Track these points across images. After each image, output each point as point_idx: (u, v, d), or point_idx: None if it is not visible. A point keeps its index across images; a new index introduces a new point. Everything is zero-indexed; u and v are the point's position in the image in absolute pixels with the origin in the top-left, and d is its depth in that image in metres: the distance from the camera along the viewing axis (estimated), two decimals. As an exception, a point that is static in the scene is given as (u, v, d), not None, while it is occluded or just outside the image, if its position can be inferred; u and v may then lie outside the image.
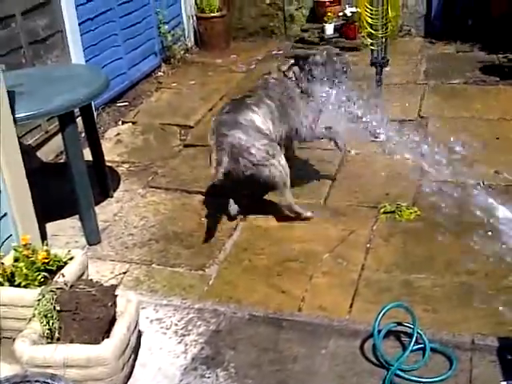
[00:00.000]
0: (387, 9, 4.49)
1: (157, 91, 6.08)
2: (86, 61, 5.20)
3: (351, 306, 3.13)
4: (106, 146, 4.79)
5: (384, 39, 4.59)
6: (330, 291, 3.26)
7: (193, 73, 6.51)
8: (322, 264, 3.47)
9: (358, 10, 4.82)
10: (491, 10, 6.78)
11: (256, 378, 2.62)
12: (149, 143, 5.05)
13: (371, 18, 4.53)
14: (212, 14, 7.06)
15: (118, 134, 5.20)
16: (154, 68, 6.46)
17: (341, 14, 6.99)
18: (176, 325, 2.95)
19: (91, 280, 2.73)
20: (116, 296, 2.63)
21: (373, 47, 4.64)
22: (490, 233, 3.62)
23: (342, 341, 2.81)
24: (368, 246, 3.60)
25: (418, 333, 2.67)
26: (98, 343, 2.46)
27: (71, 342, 2.49)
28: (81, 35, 5.12)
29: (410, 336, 2.67)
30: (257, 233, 3.80)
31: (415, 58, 6.60)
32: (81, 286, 2.62)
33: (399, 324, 2.79)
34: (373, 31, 4.56)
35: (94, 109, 4.81)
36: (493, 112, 5.17)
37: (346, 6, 6.92)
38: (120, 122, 5.41)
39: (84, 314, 2.51)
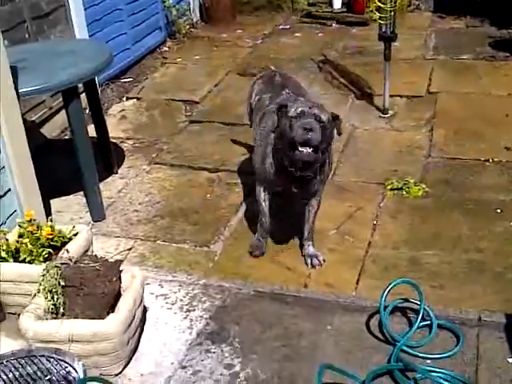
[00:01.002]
0: (396, -18, 4.40)
1: (162, 66, 6.02)
2: (90, 36, 5.14)
3: (357, 283, 3.12)
4: (110, 122, 4.76)
5: (392, 13, 4.50)
6: (336, 268, 3.24)
7: (198, 48, 6.44)
8: (328, 240, 3.45)
9: (366, -17, 4.73)
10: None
11: (261, 354, 2.61)
12: (154, 119, 5.01)
13: (379, -9, 4.44)
14: (217, -12, 6.97)
15: (123, 110, 5.16)
16: (158, 43, 6.39)
17: (349, -13, 6.90)
18: (181, 300, 2.94)
19: (96, 256, 2.72)
20: (121, 271, 2.62)
21: (381, 21, 4.55)
22: (498, 210, 3.59)
23: (347, 317, 2.79)
24: (375, 222, 3.57)
25: (424, 309, 2.66)
26: (103, 318, 2.46)
27: (76, 317, 2.48)
28: (84, 10, 5.05)
29: (417, 312, 2.66)
30: (262, 209, 3.77)
31: (424, 32, 6.51)
32: (85, 262, 2.61)
33: (406, 300, 2.77)
34: (381, 5, 4.47)
35: (98, 85, 4.76)
36: (502, 88, 5.10)
37: (354, -21, 6.82)
38: (124, 98, 5.36)
39: (88, 290, 2.50)
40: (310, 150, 2.89)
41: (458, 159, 4.15)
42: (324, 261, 3.28)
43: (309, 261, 3.28)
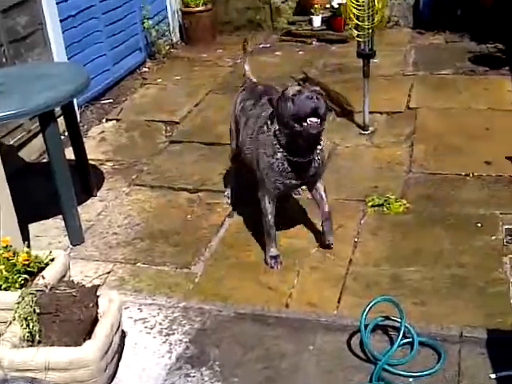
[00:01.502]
0: (373, 0, 4.42)
1: (142, 87, 6.01)
2: (69, 58, 5.13)
3: (339, 301, 3.09)
4: (89, 144, 4.74)
5: (371, 30, 4.52)
6: (317, 286, 3.22)
7: (178, 68, 6.45)
8: (309, 259, 3.43)
9: (345, 1, 4.75)
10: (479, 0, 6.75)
11: (242, 377, 2.58)
12: (133, 140, 4.98)
13: (357, 10, 4.47)
14: (197, 8, 6.99)
15: (102, 131, 5.13)
16: (138, 64, 6.39)
17: (328, 5, 6.95)
18: (160, 324, 2.90)
19: (72, 281, 2.68)
20: (98, 296, 2.57)
21: (359, 39, 4.57)
22: (479, 224, 3.59)
23: (329, 336, 2.77)
24: (356, 239, 3.56)
25: (405, 326, 2.63)
26: (80, 345, 2.41)
27: (52, 344, 2.44)
28: (62, 32, 5.05)
29: (398, 330, 2.63)
30: (243, 229, 3.75)
31: (404, 48, 6.56)
32: (61, 288, 2.57)
33: (387, 318, 2.75)
34: (359, 22, 4.50)
35: (77, 107, 4.75)
36: (482, 102, 5.13)
37: (333, -3, 6.87)
38: (104, 120, 5.34)
39: (65, 316, 2.46)
40: (317, 120, 3.00)
41: (438, 174, 4.16)
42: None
43: (327, 241, 3.46)
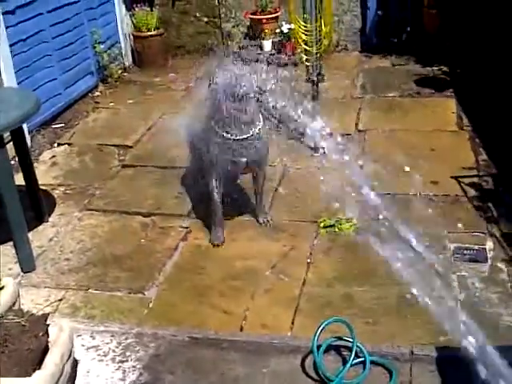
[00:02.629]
0: (320, 25, 4.54)
1: (94, 111, 5.98)
2: (19, 83, 5.08)
3: (293, 323, 3.12)
4: (40, 169, 4.69)
5: (319, 55, 4.63)
6: (271, 308, 3.24)
7: (131, 92, 6.44)
8: (263, 281, 3.46)
9: (293, 26, 4.86)
10: (424, 24, 6.96)
11: (196, 402, 2.57)
12: (85, 165, 4.95)
13: (305, 35, 4.57)
14: (149, 33, 7.01)
15: (54, 156, 5.08)
16: (90, 88, 6.36)
17: (278, 30, 7.05)
18: (114, 351, 2.87)
19: (21, 310, 2.64)
20: (48, 325, 2.54)
21: (308, 63, 4.67)
22: (427, 243, 3.67)
23: (283, 358, 2.78)
24: (309, 260, 3.60)
25: (357, 346, 2.67)
26: (30, 375, 2.37)
27: (1, 375, 2.39)
28: (12, 57, 5.00)
29: (351, 350, 2.67)
30: (197, 252, 3.76)
31: (352, 72, 6.69)
32: (10, 317, 2.53)
33: (339, 338, 2.78)
34: (307, 47, 4.60)
35: (27, 131, 4.70)
36: (428, 124, 5.27)
37: (283, 22, 6.98)
38: (55, 144, 5.29)
39: (14, 347, 2.41)
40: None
41: (387, 194, 4.24)
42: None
43: (261, 220, 3.93)
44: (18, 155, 4.01)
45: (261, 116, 3.70)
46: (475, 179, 4.35)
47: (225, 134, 3.56)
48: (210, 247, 3.78)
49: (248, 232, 3.92)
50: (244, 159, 3.65)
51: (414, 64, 6.75)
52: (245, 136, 3.57)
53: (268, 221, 3.97)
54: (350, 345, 2.71)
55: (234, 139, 3.56)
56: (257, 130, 3.62)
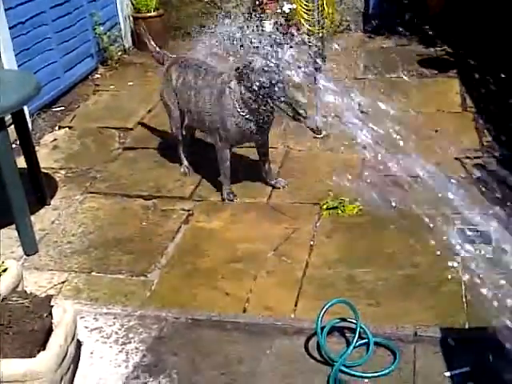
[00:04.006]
0: (322, 5, 4.48)
1: (94, 94, 5.94)
2: (19, 66, 5.04)
3: (296, 305, 3.11)
4: (42, 152, 4.67)
5: (321, 35, 4.58)
6: (274, 290, 3.23)
7: (131, 74, 6.40)
8: (266, 263, 3.45)
9: (295, 6, 4.80)
10: (428, 5, 6.89)
11: (200, 383, 2.57)
12: (87, 148, 4.92)
13: (307, 15, 4.52)
14: (149, 14, 6.94)
15: (55, 139, 5.06)
16: (90, 71, 6.32)
17: (279, 10, 6.99)
18: (116, 333, 2.87)
19: (25, 292, 2.64)
20: (51, 307, 2.54)
21: (310, 43, 4.63)
22: (431, 225, 3.66)
23: (286, 340, 2.79)
24: (311, 243, 3.59)
25: (361, 327, 2.67)
26: (34, 356, 2.37)
27: (5, 356, 2.39)
28: (12, 39, 4.96)
29: (354, 331, 2.66)
30: (200, 235, 3.75)
31: (354, 53, 6.64)
32: (14, 299, 2.53)
33: (343, 320, 2.78)
34: (310, 28, 4.55)
35: (28, 115, 4.67)
36: (431, 104, 5.24)
37: (284, 2, 6.92)
38: (56, 128, 5.26)
39: (18, 328, 2.42)
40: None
41: (390, 176, 4.22)
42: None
43: (279, 184, 4.18)
44: (20, 138, 3.99)
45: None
46: (479, 160, 4.32)
47: (248, 116, 3.84)
48: (213, 230, 3.77)
49: (250, 215, 3.91)
50: (256, 135, 3.98)
51: (417, 44, 6.70)
52: (266, 119, 3.90)
53: (285, 183, 4.18)
54: (353, 326, 2.71)
55: (257, 120, 3.87)
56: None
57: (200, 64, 4.22)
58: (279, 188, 4.14)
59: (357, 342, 2.62)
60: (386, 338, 2.72)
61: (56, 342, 2.42)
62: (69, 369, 2.51)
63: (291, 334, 2.81)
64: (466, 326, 2.86)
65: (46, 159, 4.60)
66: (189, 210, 3.97)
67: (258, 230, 3.75)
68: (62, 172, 4.54)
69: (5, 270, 2.84)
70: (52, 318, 2.52)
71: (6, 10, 4.89)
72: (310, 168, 4.42)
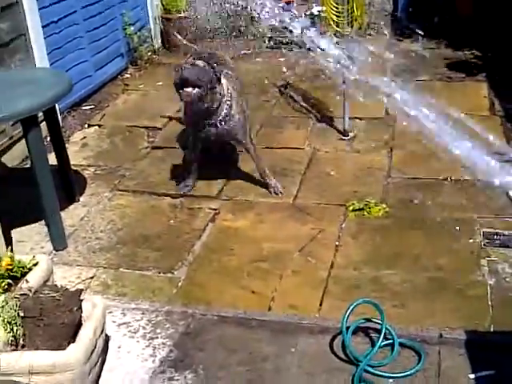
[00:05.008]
0: (352, 7, 4.50)
1: (123, 93, 6.02)
2: (51, 64, 5.12)
3: (321, 304, 3.13)
4: (71, 149, 4.74)
5: (349, 37, 4.60)
6: (299, 290, 3.26)
7: (160, 74, 6.45)
8: (291, 263, 3.47)
9: (324, 8, 4.82)
10: (457, 8, 6.86)
11: (225, 379, 2.61)
12: (116, 146, 4.99)
13: (337, 17, 4.54)
14: (178, 15, 7.02)
15: (84, 137, 5.14)
16: (120, 70, 6.40)
17: (308, 12, 7.01)
18: (144, 328, 2.92)
19: (56, 285, 2.70)
20: (81, 300, 2.59)
21: (338, 46, 4.64)
22: (457, 228, 3.66)
23: (311, 338, 2.81)
24: (337, 243, 3.60)
25: (386, 328, 2.68)
26: (64, 349, 2.42)
27: (36, 348, 2.44)
28: (44, 38, 5.04)
29: (379, 332, 2.68)
30: (226, 233, 3.78)
31: (382, 55, 6.63)
32: (45, 292, 2.58)
33: (368, 320, 2.80)
34: (339, 29, 4.57)
35: (58, 112, 4.74)
36: (459, 108, 5.20)
37: (313, 4, 6.94)
38: (86, 126, 5.34)
39: (49, 320, 2.47)
40: (190, 90, 3.60)
41: (417, 179, 4.23)
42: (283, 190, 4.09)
43: (272, 190, 4.07)
44: (51, 135, 4.06)
45: (230, 95, 3.89)
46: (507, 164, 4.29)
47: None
48: (239, 229, 3.81)
49: (276, 215, 3.93)
50: (212, 137, 3.96)
51: (445, 48, 6.68)
52: (206, 129, 3.91)
53: (278, 190, 4.09)
54: (378, 327, 2.72)
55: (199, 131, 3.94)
56: (220, 118, 3.85)
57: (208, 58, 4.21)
58: (270, 193, 4.10)
59: (382, 342, 2.63)
60: (411, 339, 2.72)
61: (86, 335, 2.47)
62: (97, 362, 2.56)
63: (316, 333, 2.83)
64: (491, 330, 2.85)
65: (75, 156, 4.67)
66: (215, 209, 4.01)
67: (284, 229, 3.77)
68: (91, 169, 4.61)
69: (35, 264, 2.90)
70: (82, 312, 2.57)
71: (39, 9, 4.97)
72: (337, 169, 4.43)
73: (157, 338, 2.85)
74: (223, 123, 3.87)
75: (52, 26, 5.21)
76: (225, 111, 3.84)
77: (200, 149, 4.12)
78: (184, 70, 3.59)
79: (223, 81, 3.85)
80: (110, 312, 2.98)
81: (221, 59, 4.30)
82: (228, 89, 3.90)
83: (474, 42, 6.53)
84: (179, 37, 4.64)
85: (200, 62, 3.70)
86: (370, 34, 7.25)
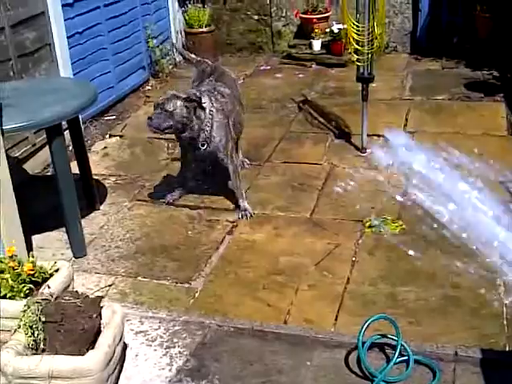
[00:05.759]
0: (373, 26, 4.54)
1: (145, 105, 6.10)
2: (74, 74, 5.22)
3: (336, 319, 3.15)
4: (93, 159, 4.81)
5: (370, 55, 4.64)
6: (315, 304, 3.28)
7: (181, 87, 6.51)
8: (307, 277, 3.49)
9: (345, 26, 4.87)
10: (476, 28, 6.90)
11: (241, 390, 2.63)
12: (136, 157, 5.06)
13: (357, 35, 4.58)
14: (200, 30, 7.13)
15: (106, 147, 5.22)
16: (142, 82, 6.51)
17: (328, 30, 7.08)
18: (161, 337, 2.95)
19: (77, 292, 2.73)
20: (101, 307, 2.63)
21: (359, 63, 4.69)
22: (474, 247, 3.67)
23: (326, 353, 2.82)
24: (353, 259, 3.63)
25: (401, 345, 2.69)
26: (83, 354, 2.46)
27: (56, 353, 2.48)
28: (69, 49, 5.15)
29: (394, 348, 2.69)
30: (243, 246, 3.82)
31: (401, 74, 6.68)
32: (66, 298, 2.62)
33: (383, 336, 2.81)
34: (359, 47, 4.61)
35: (81, 122, 4.82)
36: (477, 128, 5.23)
37: (333, 22, 7.02)
38: (107, 136, 5.43)
39: (69, 326, 2.51)
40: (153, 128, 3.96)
41: (434, 196, 4.24)
42: (254, 213, 4.11)
43: (240, 214, 4.10)
44: (73, 144, 4.13)
45: (211, 117, 4.01)
46: (524, 185, 4.31)
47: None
48: (256, 242, 3.84)
49: (293, 229, 3.96)
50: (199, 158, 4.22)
51: (464, 67, 6.71)
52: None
53: (247, 214, 4.11)
54: (393, 343, 2.73)
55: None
56: (201, 140, 4.01)
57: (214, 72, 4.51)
58: (238, 215, 4.11)
59: (397, 358, 2.65)
60: (426, 357, 2.73)
61: (105, 342, 2.50)
62: (115, 369, 2.59)
63: (332, 348, 2.84)
64: (507, 349, 2.86)
65: (96, 166, 4.74)
66: (233, 222, 4.05)
67: (300, 244, 3.80)
68: (112, 179, 4.68)
69: (57, 270, 2.95)
70: (101, 319, 2.61)
71: (65, 20, 5.08)
72: (354, 185, 4.46)
73: (174, 347, 2.88)
74: (204, 145, 4.01)
75: (77, 36, 5.32)
76: (205, 133, 3.98)
77: (193, 166, 4.39)
78: (152, 120, 3.90)
79: (205, 104, 3.98)
80: (128, 320, 3.01)
81: (222, 73, 4.52)
82: (210, 111, 3.99)
83: (492, 63, 6.56)
84: (184, 52, 4.88)
85: (172, 103, 3.88)
86: (389, 53, 7.31)
